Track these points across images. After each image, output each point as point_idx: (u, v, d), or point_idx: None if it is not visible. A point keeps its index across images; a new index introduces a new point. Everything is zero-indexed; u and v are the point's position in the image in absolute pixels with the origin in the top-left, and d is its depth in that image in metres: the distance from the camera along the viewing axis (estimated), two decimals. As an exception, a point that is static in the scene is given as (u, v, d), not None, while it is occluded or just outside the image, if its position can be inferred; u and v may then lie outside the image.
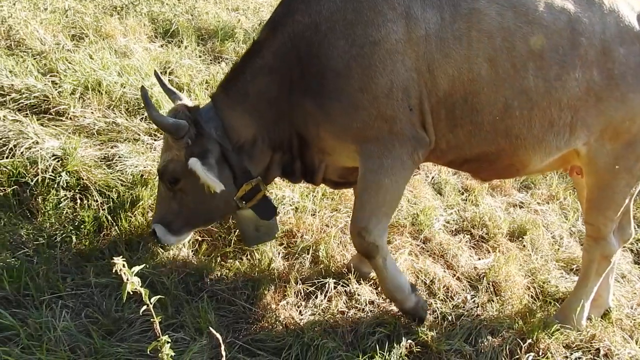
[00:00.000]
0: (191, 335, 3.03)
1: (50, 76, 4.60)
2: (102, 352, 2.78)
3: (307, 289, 3.51)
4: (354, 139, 3.01)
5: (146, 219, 3.68)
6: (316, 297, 3.47)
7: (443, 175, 5.12)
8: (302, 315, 3.36)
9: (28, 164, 3.69)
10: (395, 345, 3.18)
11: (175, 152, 3.12)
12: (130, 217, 3.66)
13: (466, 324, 3.45)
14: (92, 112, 4.40)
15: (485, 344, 3.32)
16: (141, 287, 1.86)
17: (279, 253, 3.79)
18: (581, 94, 2.95)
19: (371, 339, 3.22)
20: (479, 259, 4.22)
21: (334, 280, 3.60)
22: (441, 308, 3.59)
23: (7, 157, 3.72)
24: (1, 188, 3.58)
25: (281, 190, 4.22)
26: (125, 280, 1.73)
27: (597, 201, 3.33)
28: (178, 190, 3.19)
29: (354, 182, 3.39)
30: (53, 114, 4.27)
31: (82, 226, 3.51)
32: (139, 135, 4.36)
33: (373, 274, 3.74)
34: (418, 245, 4.16)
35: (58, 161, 3.76)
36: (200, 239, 3.76)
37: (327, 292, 3.51)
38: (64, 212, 3.57)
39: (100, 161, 3.99)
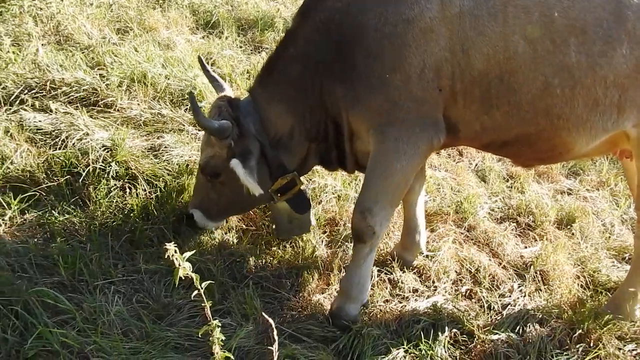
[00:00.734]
0: (237, 321, 3.09)
1: (98, 69, 4.73)
2: (152, 336, 2.88)
3: (351, 277, 3.51)
4: (377, 121, 2.93)
5: (192, 207, 3.76)
6: (360, 285, 3.47)
7: (487, 162, 5.02)
8: (346, 302, 3.37)
9: (79, 154, 3.83)
10: (439, 334, 3.16)
11: (217, 149, 3.16)
12: (177, 205, 3.74)
13: (513, 314, 3.40)
14: (138, 104, 4.51)
15: (533, 333, 3.25)
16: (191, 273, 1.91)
17: (322, 241, 3.81)
18: (629, 71, 2.81)
19: (415, 327, 3.20)
20: (526, 247, 4.13)
21: (377, 269, 3.60)
22: (487, 297, 3.54)
23: (60, 149, 3.86)
24: (55, 178, 3.72)
25: (323, 179, 4.23)
26: (177, 266, 1.77)
27: (650, 187, 3.19)
28: (218, 182, 3.26)
29: None
30: (102, 106, 4.40)
31: (131, 214, 3.61)
32: (184, 125, 4.44)
33: (416, 263, 3.72)
34: (462, 233, 4.10)
35: (107, 152, 3.88)
36: (244, 227, 3.82)
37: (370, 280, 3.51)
38: (114, 200, 3.68)
39: (147, 151, 4.09)
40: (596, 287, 3.78)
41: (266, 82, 3.17)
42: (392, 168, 2.94)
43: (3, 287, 2.91)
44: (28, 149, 3.85)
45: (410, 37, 2.76)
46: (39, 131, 4.02)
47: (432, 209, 4.26)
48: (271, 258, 3.63)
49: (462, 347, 3.16)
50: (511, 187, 4.81)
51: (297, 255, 3.66)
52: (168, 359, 2.72)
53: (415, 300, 3.46)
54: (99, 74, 4.66)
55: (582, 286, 3.77)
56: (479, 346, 3.16)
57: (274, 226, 3.74)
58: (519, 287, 3.68)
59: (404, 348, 3.05)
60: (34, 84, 4.42)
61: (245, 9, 6.73)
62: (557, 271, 3.78)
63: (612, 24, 2.76)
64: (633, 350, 3.25)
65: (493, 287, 3.66)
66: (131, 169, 3.85)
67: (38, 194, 3.63)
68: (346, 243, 3.79)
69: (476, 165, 5.06)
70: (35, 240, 3.37)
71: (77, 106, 4.33)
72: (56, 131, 3.99)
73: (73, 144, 3.88)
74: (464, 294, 3.59)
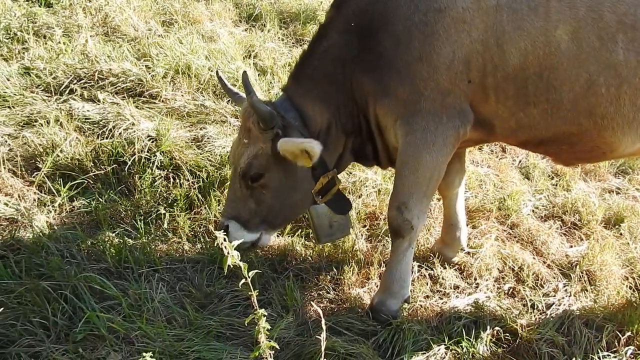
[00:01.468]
0: (278, 312, 3.11)
1: (144, 60, 4.82)
2: (195, 324, 2.92)
3: (391, 272, 3.49)
4: (403, 112, 2.87)
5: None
6: (400, 280, 3.44)
7: (531, 160, 4.90)
8: (386, 297, 3.35)
9: (126, 144, 3.92)
10: (481, 331, 3.11)
11: (260, 144, 2.98)
12: (219, 196, 3.79)
13: (558, 313, 3.32)
14: (182, 95, 4.58)
15: (579, 334, 3.16)
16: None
17: (362, 235, 3.80)
18: None
19: (457, 323, 3.16)
20: (571, 246, 4.02)
21: (418, 264, 3.56)
22: (530, 296, 3.46)
23: (107, 138, 3.96)
24: (102, 167, 3.82)
25: (364, 172, 4.21)
26: (225, 254, 1.79)
27: None
28: (258, 186, 3.03)
29: None
30: (147, 96, 4.49)
31: (175, 204, 3.68)
32: (226, 117, 4.49)
33: (457, 259, 3.66)
34: (505, 230, 4.02)
35: (153, 142, 3.95)
36: (285, 218, 3.83)
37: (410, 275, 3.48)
38: (159, 190, 3.76)
39: (191, 142, 4.15)
40: (646, 289, 3.66)
41: (301, 79, 3.11)
42: (423, 160, 2.90)
43: (53, 271, 3.01)
44: (77, 137, 3.96)
45: (441, 27, 2.70)
46: (87, 120, 4.13)
47: (474, 205, 4.18)
48: (311, 251, 3.64)
49: (505, 346, 3.10)
50: (556, 185, 4.69)
51: (337, 249, 3.65)
52: (211, 347, 2.76)
53: (457, 296, 3.41)
54: (145, 65, 4.75)
55: (630, 288, 3.65)
56: (522, 345, 3.09)
57: (313, 234, 3.58)
58: (564, 286, 3.59)
59: (444, 344, 3.01)
60: (83, 74, 4.54)
61: (288, 2, 6.73)
62: (604, 272, 3.67)
63: None
64: (685, 355, 3.14)
65: (537, 286, 3.58)
66: (175, 159, 3.92)
67: (86, 182, 3.73)
68: (386, 237, 3.76)
69: (520, 162, 4.94)
70: (83, 227, 3.47)
71: (123, 96, 4.43)
72: (103, 121, 4.09)
73: (120, 133, 3.98)
74: (506, 292, 3.52)
